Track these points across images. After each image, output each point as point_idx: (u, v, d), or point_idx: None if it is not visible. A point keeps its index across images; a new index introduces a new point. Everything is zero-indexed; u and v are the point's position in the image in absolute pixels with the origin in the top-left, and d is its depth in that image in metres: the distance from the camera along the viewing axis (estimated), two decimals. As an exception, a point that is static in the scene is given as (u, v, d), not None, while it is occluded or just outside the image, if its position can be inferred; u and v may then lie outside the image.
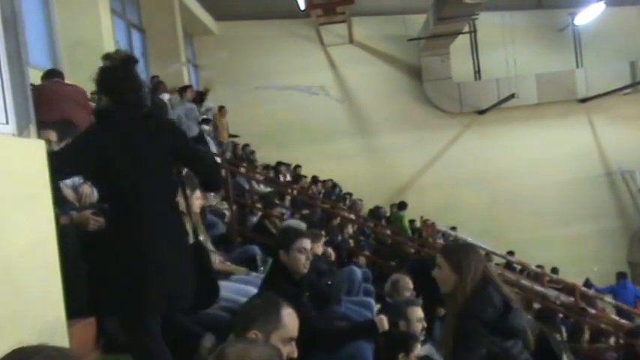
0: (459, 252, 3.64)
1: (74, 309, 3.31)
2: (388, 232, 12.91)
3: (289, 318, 2.59)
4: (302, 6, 15.29)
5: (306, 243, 4.32)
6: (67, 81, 8.47)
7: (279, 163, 15.75)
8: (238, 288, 5.31)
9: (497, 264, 15.48)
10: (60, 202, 4.31)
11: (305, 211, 11.13)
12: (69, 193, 5.15)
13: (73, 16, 10.15)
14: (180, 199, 3.82)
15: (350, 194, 16.66)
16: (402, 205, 16.32)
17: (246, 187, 11.49)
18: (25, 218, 2.90)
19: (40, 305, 2.91)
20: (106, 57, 3.76)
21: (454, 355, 3.43)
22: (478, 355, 3.30)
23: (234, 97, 17.09)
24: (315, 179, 16.29)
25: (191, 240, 3.85)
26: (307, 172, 16.86)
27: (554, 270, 16.30)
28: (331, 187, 16.97)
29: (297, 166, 16.89)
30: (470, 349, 3.32)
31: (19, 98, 3.05)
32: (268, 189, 11.48)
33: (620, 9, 18.03)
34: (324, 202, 13.02)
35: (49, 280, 3.02)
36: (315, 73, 19.06)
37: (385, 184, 18.77)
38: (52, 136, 5.59)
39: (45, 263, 3.00)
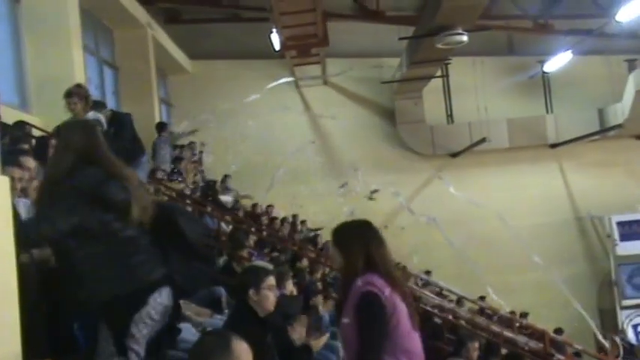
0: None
1: (32, 347, 3.25)
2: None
3: (241, 350, 2.53)
4: (277, 47, 15.41)
5: (273, 280, 4.50)
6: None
7: (254, 205, 15.69)
8: (202, 331, 5.23)
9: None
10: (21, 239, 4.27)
11: (274, 254, 11.04)
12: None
13: (44, 52, 9.90)
14: None
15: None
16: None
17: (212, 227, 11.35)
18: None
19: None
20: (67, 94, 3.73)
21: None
22: (69, 222, 3.25)
23: (208, 136, 17.00)
24: (283, 220, 16.17)
25: None
26: (280, 212, 16.77)
27: (524, 315, 16.30)
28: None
29: (270, 206, 16.80)
30: (62, 214, 3.27)
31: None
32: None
33: (587, 58, 18.37)
34: (293, 244, 12.94)
35: (7, 318, 2.99)
36: (289, 113, 19.08)
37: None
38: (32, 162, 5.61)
39: (3, 300, 2.97)
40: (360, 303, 3.40)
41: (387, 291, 3.42)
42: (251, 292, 4.29)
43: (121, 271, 3.28)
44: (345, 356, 3.61)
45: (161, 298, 3.45)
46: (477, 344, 8.19)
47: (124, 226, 3.36)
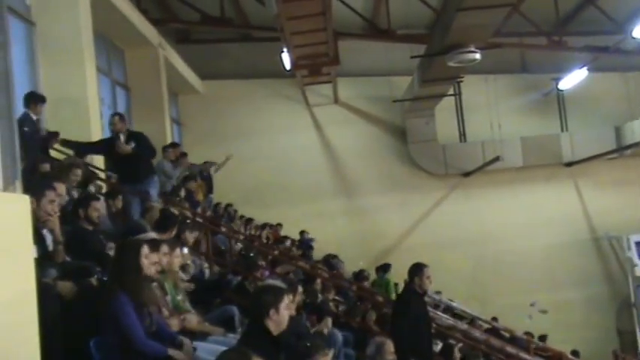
0: None
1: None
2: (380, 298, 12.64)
3: None
4: (288, 66, 15.34)
5: (288, 300, 4.71)
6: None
7: (265, 225, 15.58)
8: (215, 349, 5.18)
9: (487, 330, 15.16)
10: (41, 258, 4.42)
11: (287, 268, 11.06)
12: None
13: (58, 72, 10.04)
14: None
15: (335, 256, 16.40)
16: (386, 268, 16.03)
17: (222, 247, 11.31)
18: (5, 273, 2.85)
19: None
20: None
21: None
22: None
23: (219, 155, 16.91)
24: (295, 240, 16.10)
25: None
26: (291, 232, 16.64)
27: (542, 338, 16.03)
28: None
29: (279, 225, 16.71)
30: None
31: (7, 154, 3.05)
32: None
33: (603, 75, 18.25)
34: (304, 263, 12.86)
35: (26, 337, 2.99)
36: (300, 132, 19.01)
37: (369, 245, 18.55)
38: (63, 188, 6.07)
39: (23, 318, 2.98)
40: None
41: None
42: (271, 312, 4.41)
43: None
44: None
45: None
46: None
47: None
